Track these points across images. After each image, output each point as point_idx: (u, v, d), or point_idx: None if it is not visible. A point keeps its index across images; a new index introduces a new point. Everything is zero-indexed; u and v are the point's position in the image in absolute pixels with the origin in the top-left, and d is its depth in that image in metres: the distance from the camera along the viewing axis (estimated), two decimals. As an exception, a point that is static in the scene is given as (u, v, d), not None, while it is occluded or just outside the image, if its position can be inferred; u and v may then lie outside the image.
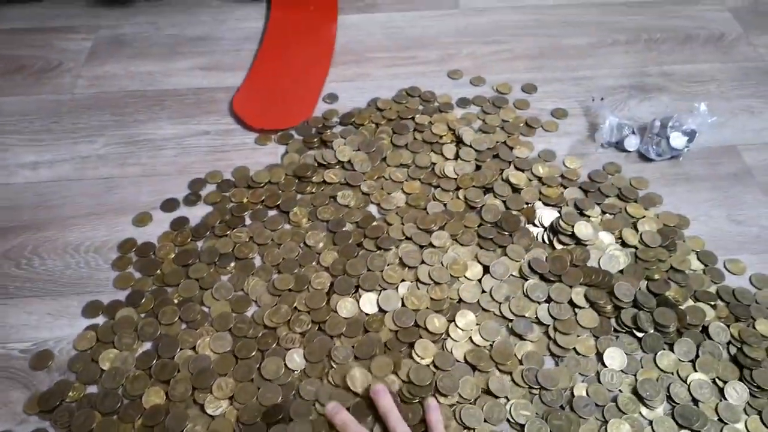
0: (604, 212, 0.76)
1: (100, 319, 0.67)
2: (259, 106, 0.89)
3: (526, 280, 0.69)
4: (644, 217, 0.76)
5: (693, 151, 0.84)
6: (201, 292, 0.69)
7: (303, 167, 0.81)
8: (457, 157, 0.83)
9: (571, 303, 0.67)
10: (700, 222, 0.76)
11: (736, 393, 0.61)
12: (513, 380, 0.62)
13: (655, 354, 0.64)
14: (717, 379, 0.63)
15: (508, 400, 0.61)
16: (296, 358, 0.63)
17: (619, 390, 0.62)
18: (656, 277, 0.69)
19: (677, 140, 0.82)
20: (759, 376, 0.62)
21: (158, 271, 0.71)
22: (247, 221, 0.76)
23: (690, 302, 0.68)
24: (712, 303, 0.68)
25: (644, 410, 0.60)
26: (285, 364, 0.63)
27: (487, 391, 0.61)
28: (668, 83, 0.94)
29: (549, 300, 0.67)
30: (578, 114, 0.90)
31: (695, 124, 0.82)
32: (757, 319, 0.67)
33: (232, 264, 0.72)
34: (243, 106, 0.89)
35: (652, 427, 0.59)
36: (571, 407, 0.60)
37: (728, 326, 0.66)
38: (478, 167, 0.81)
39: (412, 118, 0.87)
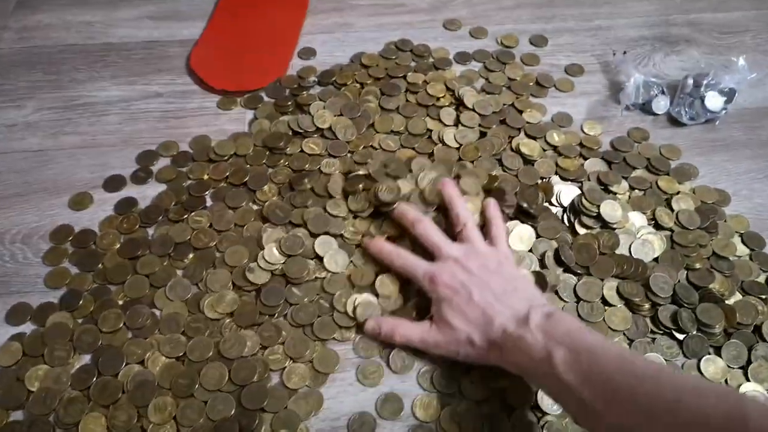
0: (632, 188, 0.65)
1: (27, 327, 0.55)
2: (221, 62, 0.75)
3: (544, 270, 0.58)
4: (678, 193, 0.65)
5: (730, 114, 0.72)
6: (152, 291, 0.57)
7: (275, 136, 0.67)
8: (457, 122, 0.70)
9: (603, 301, 0.56)
10: (741, 197, 0.65)
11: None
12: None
13: (699, 359, 0.54)
14: (772, 389, 0.53)
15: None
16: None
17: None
18: (697, 266, 0.59)
19: (714, 101, 0.70)
20: (824, 386, 0.52)
21: (99, 266, 0.58)
22: (209, 202, 0.63)
23: (737, 296, 0.57)
24: (764, 296, 0.57)
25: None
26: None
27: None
28: (696, 34, 0.82)
29: (577, 299, 0.56)
30: (596, 70, 0.77)
31: (734, 82, 0.71)
32: (812, 314, 0.57)
33: (190, 255, 0.59)
34: (202, 62, 0.75)
35: (699, 451, 0.49)
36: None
37: (784, 323, 0.56)
38: (482, 134, 0.69)
39: (404, 77, 0.74)
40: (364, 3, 0.85)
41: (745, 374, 0.53)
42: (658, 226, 0.61)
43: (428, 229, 0.56)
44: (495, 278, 0.52)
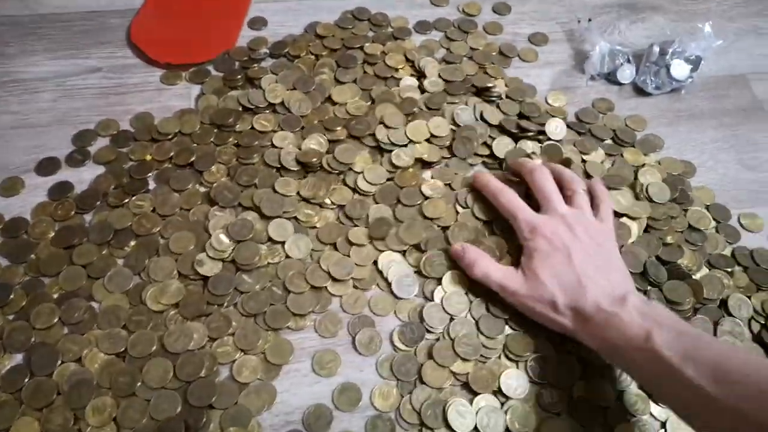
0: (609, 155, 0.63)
1: (-48, 325, 0.50)
2: (164, 33, 0.70)
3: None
4: (644, 165, 0.63)
5: (696, 83, 0.70)
6: (89, 282, 0.53)
7: (223, 112, 0.63)
8: (422, 92, 0.67)
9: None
10: (707, 169, 0.64)
11: (765, 382, 0.50)
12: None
13: (666, 337, 0.52)
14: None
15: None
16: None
17: (626, 386, 0.50)
18: (669, 239, 0.57)
19: (680, 69, 0.68)
20: (789, 359, 0.51)
21: (32, 257, 0.54)
22: (151, 185, 0.59)
23: (704, 270, 0.56)
24: (729, 269, 0.56)
25: (656, 409, 0.49)
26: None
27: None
28: (662, 1, 0.79)
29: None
30: (561, 39, 0.74)
31: (699, 50, 0.69)
32: (786, 283, 0.56)
33: (132, 243, 0.55)
34: (144, 33, 0.70)
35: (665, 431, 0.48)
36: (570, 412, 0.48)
37: (749, 297, 0.55)
38: (449, 103, 0.66)
39: (361, 48, 0.70)
40: (320, -31, 0.80)
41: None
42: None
43: (544, 179, 0.54)
44: (598, 250, 0.50)
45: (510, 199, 0.54)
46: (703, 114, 0.68)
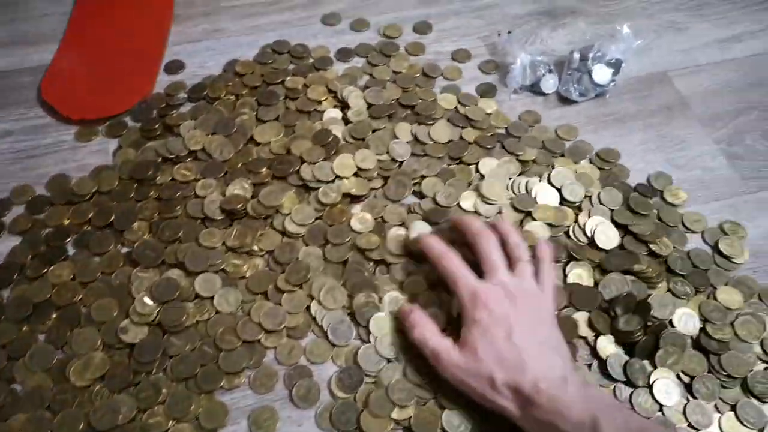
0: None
1: None
2: (77, 87, 0.68)
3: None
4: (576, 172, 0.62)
5: (620, 85, 0.70)
6: (10, 363, 0.50)
7: (142, 166, 0.61)
8: (346, 123, 0.66)
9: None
10: (637, 171, 0.64)
11: (706, 389, 0.50)
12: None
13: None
14: (682, 374, 0.51)
15: None
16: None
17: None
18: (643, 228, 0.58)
19: (601, 74, 0.68)
20: (728, 362, 0.51)
21: (-54, 342, 0.51)
22: (71, 251, 0.57)
23: (664, 284, 0.56)
24: (685, 273, 0.56)
25: None
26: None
27: None
28: (582, 4, 0.79)
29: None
30: (483, 54, 0.74)
31: (619, 52, 0.69)
32: (717, 287, 0.56)
33: (53, 316, 0.53)
34: (55, 89, 0.68)
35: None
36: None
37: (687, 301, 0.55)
38: (374, 131, 0.65)
39: (282, 83, 0.69)
40: (237, 3, 0.79)
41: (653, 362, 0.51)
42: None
43: (489, 245, 0.51)
44: (541, 327, 0.47)
45: (451, 264, 0.50)
46: (629, 116, 0.68)
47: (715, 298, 0.55)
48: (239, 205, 0.58)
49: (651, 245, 0.57)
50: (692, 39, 0.76)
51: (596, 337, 0.52)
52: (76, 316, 0.52)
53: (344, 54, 0.73)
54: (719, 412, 0.50)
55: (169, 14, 0.76)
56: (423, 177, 0.61)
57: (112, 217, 0.58)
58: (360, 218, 0.58)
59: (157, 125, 0.65)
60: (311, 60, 0.72)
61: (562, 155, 0.64)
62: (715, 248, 0.58)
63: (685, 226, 0.60)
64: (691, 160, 0.65)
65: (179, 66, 0.71)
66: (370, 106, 0.66)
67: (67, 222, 0.58)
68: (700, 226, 0.60)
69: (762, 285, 0.56)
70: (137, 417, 0.48)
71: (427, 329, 0.49)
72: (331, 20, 0.77)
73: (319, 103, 0.67)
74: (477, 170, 0.62)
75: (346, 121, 0.66)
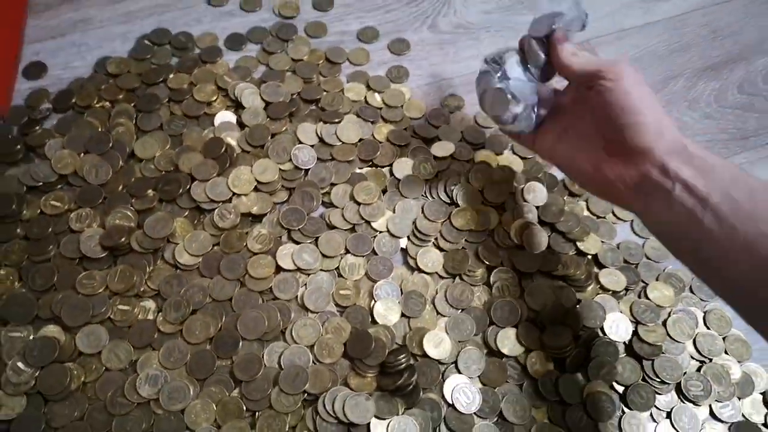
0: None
1: None
2: None
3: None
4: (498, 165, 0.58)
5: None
6: None
7: (3, 200, 0.52)
8: (241, 126, 0.58)
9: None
10: (562, 157, 0.59)
11: (641, 398, 0.48)
12: None
13: (538, 368, 0.49)
14: (616, 383, 0.49)
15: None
16: None
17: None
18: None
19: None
20: (661, 367, 0.49)
21: None
22: None
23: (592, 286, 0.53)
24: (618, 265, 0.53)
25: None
26: None
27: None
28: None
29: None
30: (392, 31, 0.66)
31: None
32: (648, 283, 0.53)
33: None
34: None
35: (548, 477, 0.45)
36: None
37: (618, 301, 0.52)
38: (272, 136, 0.58)
39: (164, 82, 0.60)
40: (106, -15, 0.68)
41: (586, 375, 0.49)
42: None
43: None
44: None
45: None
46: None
47: (646, 297, 0.52)
48: (122, 239, 0.50)
49: (578, 243, 0.54)
50: (614, 1, 0.71)
51: (526, 353, 0.49)
52: (-67, 397, 0.45)
53: (235, 41, 0.64)
54: (655, 421, 0.48)
55: (21, 3, 0.65)
56: (332, 185, 0.55)
57: (-30, 268, 0.50)
58: (257, 237, 0.52)
59: (17, 147, 0.55)
60: (197, 51, 0.63)
61: (483, 146, 0.59)
62: (646, 239, 0.55)
63: (615, 215, 0.57)
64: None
65: (40, 69, 0.61)
66: (267, 104, 0.59)
67: None
68: (630, 214, 0.57)
69: (693, 275, 0.54)
70: None
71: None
72: (216, 0, 0.67)
73: (209, 104, 0.59)
74: (391, 173, 0.57)
75: (241, 125, 0.58)
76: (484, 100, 0.49)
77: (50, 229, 0.51)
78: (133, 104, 0.58)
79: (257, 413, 0.46)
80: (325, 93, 0.60)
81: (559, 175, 0.58)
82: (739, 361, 0.50)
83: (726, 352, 0.50)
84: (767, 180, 0.45)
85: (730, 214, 0.36)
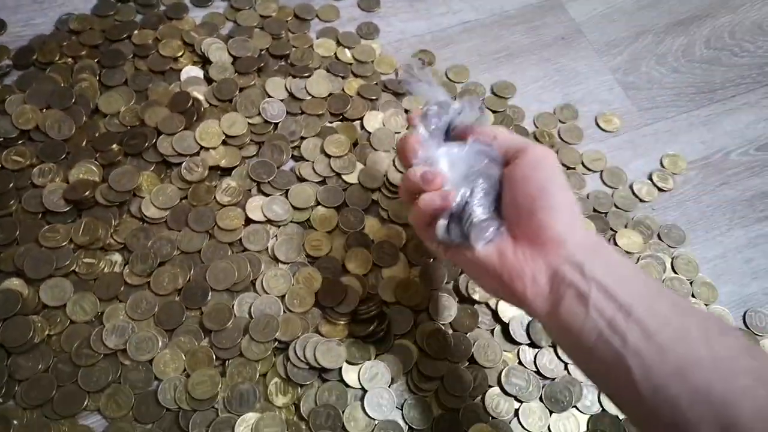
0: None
1: None
2: None
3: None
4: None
5: (511, 15, 0.65)
6: None
7: (-39, 155, 0.51)
8: (209, 82, 0.57)
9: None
10: (532, 113, 0.60)
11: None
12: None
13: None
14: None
15: None
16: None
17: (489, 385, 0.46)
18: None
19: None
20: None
21: None
22: None
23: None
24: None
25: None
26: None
27: None
28: None
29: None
30: (362, -13, 0.66)
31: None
32: (617, 231, 0.53)
33: None
34: None
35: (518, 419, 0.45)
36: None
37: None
38: (240, 90, 0.57)
39: (128, 38, 0.59)
40: (68, -60, 0.66)
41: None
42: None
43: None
44: None
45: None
46: (522, 50, 0.63)
47: (615, 243, 0.53)
48: (86, 192, 0.49)
49: (549, 193, 0.54)
50: (583, -41, 0.71)
51: (497, 300, 0.49)
52: None
53: (201, -2, 0.63)
54: (623, 362, 0.48)
55: (-19, -40, 0.63)
56: (302, 138, 0.55)
57: (-72, 224, 0.48)
58: (225, 189, 0.51)
59: (-24, 103, 0.54)
60: (162, 8, 0.62)
61: (454, 98, 0.59)
62: (615, 188, 0.56)
63: (584, 166, 0.57)
64: (588, 93, 0.61)
65: (0, 25, 0.59)
66: (235, 59, 0.58)
67: None
68: (600, 164, 0.57)
69: (660, 222, 0.54)
70: (-17, 460, 0.41)
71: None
72: (183, -43, 0.66)
73: (175, 60, 0.58)
74: (362, 127, 0.56)
75: (208, 80, 0.57)
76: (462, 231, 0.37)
77: (11, 185, 0.50)
78: (96, 60, 0.57)
79: (227, 361, 0.45)
80: (294, 49, 0.60)
81: (530, 128, 0.58)
82: (706, 304, 0.51)
83: (693, 296, 0.51)
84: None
85: (658, 330, 0.29)
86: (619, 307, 0.30)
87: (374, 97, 0.57)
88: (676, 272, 0.52)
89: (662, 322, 0.30)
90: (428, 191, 0.37)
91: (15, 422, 0.42)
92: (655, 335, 0.29)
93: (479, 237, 0.36)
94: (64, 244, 0.48)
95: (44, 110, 0.54)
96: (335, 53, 0.60)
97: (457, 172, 0.38)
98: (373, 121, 0.56)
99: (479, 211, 0.36)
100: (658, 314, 0.30)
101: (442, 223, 0.37)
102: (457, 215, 0.37)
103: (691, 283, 0.51)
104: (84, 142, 0.53)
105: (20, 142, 0.53)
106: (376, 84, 0.59)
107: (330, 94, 0.57)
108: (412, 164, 0.39)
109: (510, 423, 0.45)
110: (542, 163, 0.36)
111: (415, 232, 0.42)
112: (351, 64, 0.60)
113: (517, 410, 0.45)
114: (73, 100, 0.54)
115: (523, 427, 0.45)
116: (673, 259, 0.53)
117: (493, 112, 0.59)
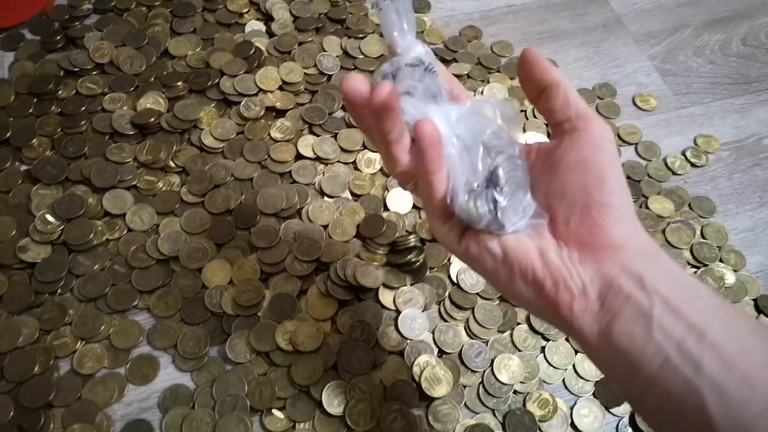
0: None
1: None
2: (-35, -4, 0.61)
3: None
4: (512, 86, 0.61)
5: (555, 3, 0.68)
6: None
7: (42, 79, 0.55)
8: (270, 36, 0.61)
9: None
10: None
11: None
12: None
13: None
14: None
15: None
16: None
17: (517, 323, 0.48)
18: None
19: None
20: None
21: None
22: (-41, 170, 0.51)
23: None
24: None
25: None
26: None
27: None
28: None
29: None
30: (417, -32, 0.70)
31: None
32: (649, 197, 0.55)
33: (-64, 241, 0.47)
34: (-61, -2, 0.60)
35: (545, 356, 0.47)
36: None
37: (619, 210, 0.54)
38: (300, 44, 0.61)
39: (199, -6, 0.64)
40: None
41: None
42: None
43: None
44: None
45: None
46: (565, 33, 0.67)
47: (647, 207, 0.54)
48: (152, 119, 0.53)
49: (585, 156, 0.56)
50: (626, -41, 0.75)
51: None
52: (-36, 240, 0.47)
53: (268, -34, 0.68)
54: (650, 315, 0.49)
55: None
56: (353, 91, 0.58)
57: (8, 133, 0.52)
58: (280, 127, 0.55)
59: (58, 37, 0.59)
60: (232, -28, 0.67)
61: (498, 71, 0.62)
62: (649, 160, 0.58)
63: (620, 138, 0.59)
64: (625, 76, 0.64)
65: (84, -24, 0.65)
66: (296, 19, 0.62)
67: (-46, 138, 0.52)
68: (636, 138, 0.59)
69: (692, 194, 0.56)
70: (41, 338, 0.44)
71: None
72: (253, -67, 0.71)
73: (240, 15, 0.62)
74: (409, 84, 0.59)
75: (270, 34, 0.61)
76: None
77: (84, 108, 0.54)
78: (169, 10, 0.62)
79: (271, 276, 0.48)
80: (350, 15, 0.64)
81: (569, 100, 0.61)
82: (734, 270, 0.52)
83: (721, 261, 0.52)
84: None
85: (739, 358, 0.24)
86: (690, 328, 0.24)
87: (423, 60, 0.61)
88: (705, 238, 0.54)
89: (744, 348, 0.24)
90: (432, 161, 0.27)
91: (71, 311, 0.45)
92: (736, 364, 0.23)
93: (513, 216, 0.28)
94: (128, 160, 0.52)
95: (118, 48, 0.58)
96: (388, 22, 0.64)
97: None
98: (421, 80, 0.59)
99: (511, 186, 0.28)
100: (738, 338, 0.24)
101: (462, 197, 0.28)
102: (481, 189, 0.28)
103: (719, 248, 0.53)
104: (152, 78, 0.57)
105: (94, 73, 0.57)
106: (425, 50, 0.62)
107: (381, 55, 0.61)
108: (391, 126, 0.27)
109: (536, 358, 0.46)
110: (605, 144, 0.28)
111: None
112: (402, 32, 0.63)
113: (543, 347, 0.47)
114: (146, 41, 0.58)
115: (549, 363, 0.46)
116: (702, 227, 0.54)
117: (535, 83, 0.61)
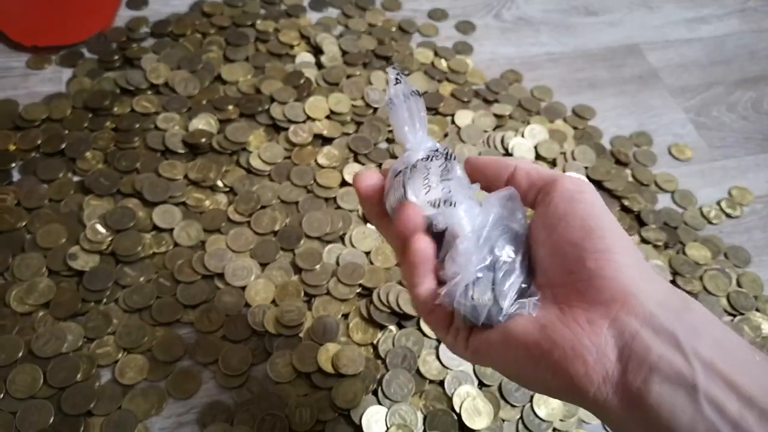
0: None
1: None
2: (30, 12, 0.63)
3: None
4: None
5: (593, 53, 0.71)
6: (-60, 290, 0.46)
7: (98, 95, 0.57)
8: (319, 68, 0.63)
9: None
10: (610, 134, 0.64)
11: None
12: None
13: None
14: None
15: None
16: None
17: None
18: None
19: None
20: (698, 313, 0.51)
21: None
22: (16, 176, 0.52)
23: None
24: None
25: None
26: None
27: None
28: None
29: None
30: (460, 15, 0.73)
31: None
32: (686, 243, 0.56)
33: (-7, 242, 0.48)
34: (6, 13, 0.63)
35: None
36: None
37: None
38: (348, 77, 0.63)
39: (252, 25, 0.66)
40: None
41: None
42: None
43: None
44: None
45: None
46: (603, 82, 0.69)
47: (684, 254, 0.55)
48: (203, 139, 0.55)
49: (623, 200, 0.57)
50: (662, 17, 0.77)
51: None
52: (20, 242, 0.48)
53: (318, 3, 0.70)
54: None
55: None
56: (398, 124, 0.60)
57: (63, 145, 0.54)
58: (326, 154, 0.56)
59: (116, 57, 0.61)
60: (283, 6, 0.69)
61: (538, 113, 0.64)
62: (684, 209, 0.59)
63: (657, 185, 0.60)
64: (662, 126, 0.66)
65: (142, 1, 0.67)
66: (344, 53, 0.64)
67: (12, 147, 0.54)
68: (672, 186, 0.60)
69: (728, 243, 0.57)
70: (84, 346, 0.44)
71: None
72: (305, -28, 0.74)
73: (291, 47, 0.65)
74: (453, 122, 0.61)
75: (319, 66, 0.64)
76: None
77: (138, 125, 0.56)
78: (223, 38, 0.64)
79: (314, 298, 0.48)
80: (396, 53, 0.66)
81: (607, 145, 0.63)
82: (771, 321, 0.52)
83: (757, 310, 0.53)
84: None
85: None
86: (746, 402, 0.21)
87: (466, 99, 0.63)
88: (741, 287, 0.54)
89: None
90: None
91: (115, 321, 0.45)
92: None
93: (510, 307, 0.26)
94: (179, 177, 0.53)
95: (174, 70, 0.60)
96: (432, 62, 0.66)
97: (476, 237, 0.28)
98: (464, 117, 0.61)
99: (513, 275, 0.27)
100: None
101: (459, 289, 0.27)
102: (482, 280, 0.27)
103: (756, 298, 0.53)
104: (205, 101, 0.59)
105: (149, 92, 0.59)
106: (468, 90, 0.64)
107: (426, 92, 0.63)
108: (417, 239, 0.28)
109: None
110: (581, 195, 0.27)
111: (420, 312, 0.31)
112: (446, 73, 0.66)
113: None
114: (201, 65, 0.61)
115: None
116: (738, 276, 0.54)
117: (574, 128, 0.63)
